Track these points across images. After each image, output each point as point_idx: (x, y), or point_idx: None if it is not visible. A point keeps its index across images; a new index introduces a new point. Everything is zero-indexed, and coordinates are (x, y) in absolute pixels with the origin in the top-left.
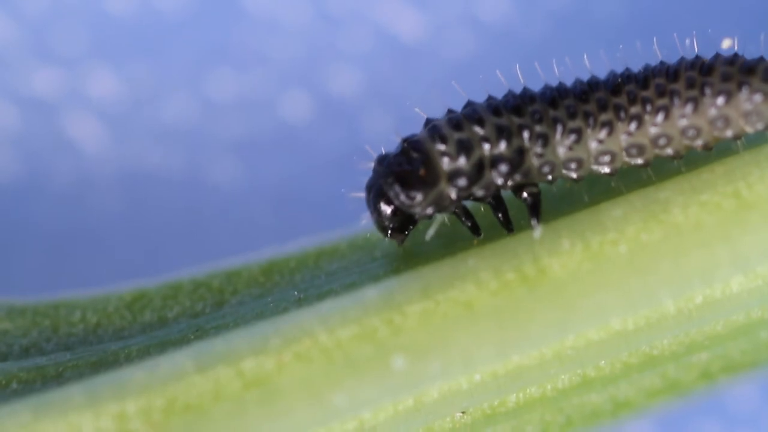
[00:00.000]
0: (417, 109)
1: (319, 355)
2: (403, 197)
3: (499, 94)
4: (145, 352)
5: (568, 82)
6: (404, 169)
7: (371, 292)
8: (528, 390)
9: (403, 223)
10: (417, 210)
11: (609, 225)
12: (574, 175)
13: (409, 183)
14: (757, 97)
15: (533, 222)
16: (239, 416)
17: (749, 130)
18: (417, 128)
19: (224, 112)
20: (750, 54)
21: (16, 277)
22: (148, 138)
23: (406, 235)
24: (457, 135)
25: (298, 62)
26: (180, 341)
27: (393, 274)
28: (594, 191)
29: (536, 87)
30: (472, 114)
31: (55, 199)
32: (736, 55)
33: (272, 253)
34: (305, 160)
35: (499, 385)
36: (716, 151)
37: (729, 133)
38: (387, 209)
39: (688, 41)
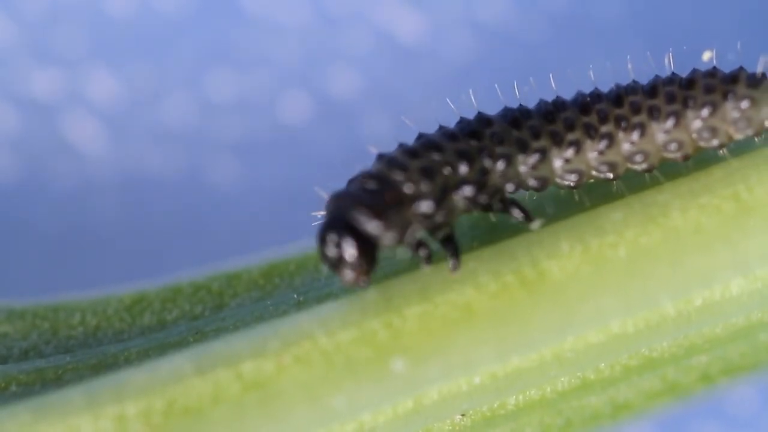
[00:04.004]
0: (405, 119)
1: (318, 358)
2: (370, 227)
3: (499, 96)
4: (145, 355)
5: (569, 82)
6: (367, 199)
7: (370, 295)
8: (527, 392)
9: (367, 260)
10: (385, 239)
11: (608, 228)
12: (535, 188)
13: (374, 212)
14: (744, 104)
15: (519, 216)
16: (238, 419)
17: (739, 136)
18: (416, 129)
19: (224, 113)
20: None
21: (16, 280)
22: (148, 139)
23: (369, 274)
24: (417, 162)
25: (298, 63)
26: (179, 344)
27: (392, 276)
28: (593, 194)
29: (537, 87)
30: (428, 142)
31: (54, 201)
32: (714, 68)
33: (272, 255)
34: (305, 161)
35: (499, 387)
36: (715, 155)
37: (715, 143)
38: (351, 246)
39: (667, 59)
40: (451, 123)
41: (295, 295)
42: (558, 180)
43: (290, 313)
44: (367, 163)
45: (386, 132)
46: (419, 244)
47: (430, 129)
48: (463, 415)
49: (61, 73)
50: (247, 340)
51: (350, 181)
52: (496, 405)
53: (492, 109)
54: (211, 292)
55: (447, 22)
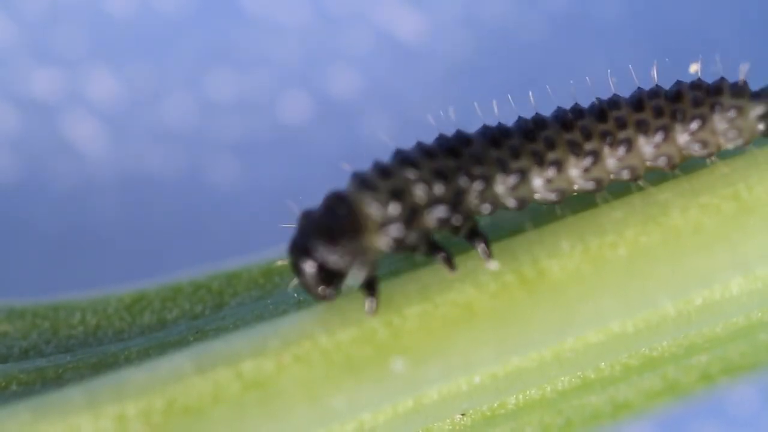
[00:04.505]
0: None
1: (318, 357)
2: (328, 255)
3: (499, 97)
4: (145, 354)
5: (568, 83)
6: (329, 223)
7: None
8: (527, 392)
9: (332, 278)
10: (344, 266)
11: (608, 227)
12: (514, 208)
13: (335, 237)
14: (731, 114)
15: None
16: (238, 418)
17: (729, 146)
18: (416, 129)
19: (224, 112)
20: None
21: (16, 279)
22: (148, 139)
23: (336, 291)
24: (387, 183)
25: (298, 63)
26: (179, 343)
27: (392, 276)
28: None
29: (536, 89)
30: (404, 160)
31: (54, 200)
32: (699, 80)
33: (272, 255)
34: (305, 161)
35: (499, 387)
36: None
37: (704, 153)
38: (313, 268)
39: (653, 69)
40: (452, 123)
41: (295, 294)
42: (539, 197)
43: (290, 312)
44: (367, 164)
45: (386, 132)
46: (370, 280)
47: (430, 128)
48: (463, 414)
49: (61, 73)
50: (247, 340)
51: (324, 200)
52: (496, 405)
53: (490, 112)
54: (211, 291)
55: (447, 21)
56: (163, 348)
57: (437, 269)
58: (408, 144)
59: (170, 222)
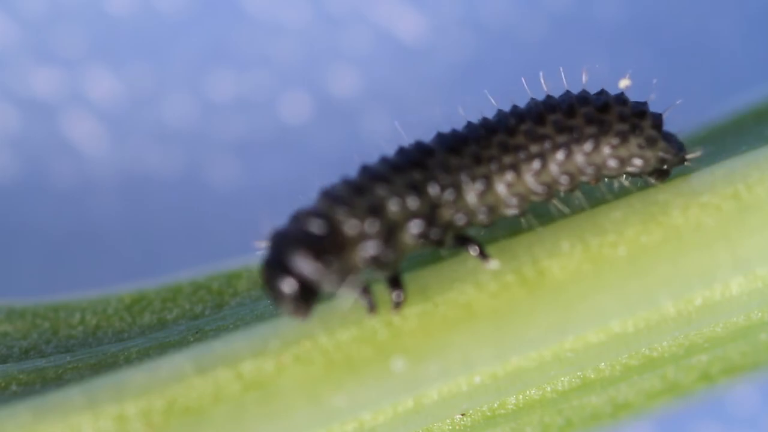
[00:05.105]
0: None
1: (318, 357)
2: (309, 269)
3: (499, 97)
4: (145, 354)
5: (569, 84)
6: (308, 238)
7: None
8: (527, 392)
9: (307, 295)
10: (323, 285)
11: (608, 227)
12: (485, 221)
13: (314, 253)
14: (643, 141)
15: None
16: (239, 418)
17: (629, 171)
18: (416, 129)
19: (224, 112)
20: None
21: (16, 280)
22: (148, 139)
23: (311, 307)
24: (362, 200)
25: (298, 63)
26: (179, 343)
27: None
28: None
29: (535, 91)
30: (374, 176)
31: (54, 200)
32: (622, 94)
33: None
34: (305, 161)
35: (499, 387)
36: (715, 154)
37: (618, 171)
38: (289, 286)
39: (585, 78)
40: (451, 124)
41: None
42: (503, 208)
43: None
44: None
45: (386, 132)
46: (364, 290)
47: (430, 129)
48: (463, 414)
49: (61, 73)
50: (247, 340)
51: (294, 218)
52: (496, 404)
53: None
54: (211, 291)
55: (447, 21)
56: (163, 348)
57: (437, 269)
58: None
59: (170, 222)
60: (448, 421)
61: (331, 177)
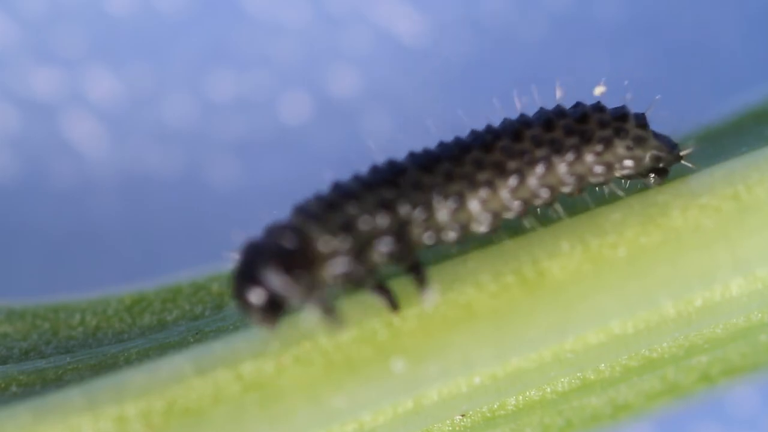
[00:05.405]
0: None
1: (318, 358)
2: (278, 282)
3: (499, 97)
4: (145, 355)
5: (568, 83)
6: (279, 251)
7: (371, 295)
8: (527, 393)
9: (275, 307)
10: (291, 299)
11: (608, 228)
12: (456, 239)
13: (284, 266)
14: (630, 143)
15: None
16: (238, 419)
17: (622, 173)
18: (416, 129)
19: (224, 112)
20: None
21: (16, 280)
22: (148, 139)
23: (278, 318)
24: (336, 216)
25: (298, 63)
26: (179, 344)
27: (392, 276)
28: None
29: (536, 89)
30: (345, 193)
31: (54, 201)
32: (599, 102)
33: None
34: (305, 161)
35: (499, 387)
36: (715, 155)
37: (606, 177)
38: (258, 297)
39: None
40: (452, 124)
41: None
42: (475, 225)
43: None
44: (367, 163)
45: (386, 132)
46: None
47: (431, 128)
48: (462, 415)
49: (61, 73)
50: (247, 341)
51: (267, 230)
52: (496, 405)
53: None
54: (211, 292)
55: (447, 21)
56: (163, 349)
57: (437, 270)
58: (408, 144)
59: (170, 222)
60: (447, 422)
61: (331, 177)
